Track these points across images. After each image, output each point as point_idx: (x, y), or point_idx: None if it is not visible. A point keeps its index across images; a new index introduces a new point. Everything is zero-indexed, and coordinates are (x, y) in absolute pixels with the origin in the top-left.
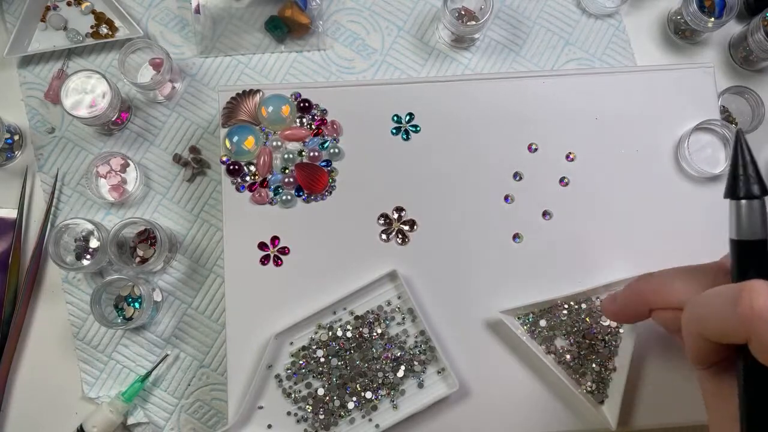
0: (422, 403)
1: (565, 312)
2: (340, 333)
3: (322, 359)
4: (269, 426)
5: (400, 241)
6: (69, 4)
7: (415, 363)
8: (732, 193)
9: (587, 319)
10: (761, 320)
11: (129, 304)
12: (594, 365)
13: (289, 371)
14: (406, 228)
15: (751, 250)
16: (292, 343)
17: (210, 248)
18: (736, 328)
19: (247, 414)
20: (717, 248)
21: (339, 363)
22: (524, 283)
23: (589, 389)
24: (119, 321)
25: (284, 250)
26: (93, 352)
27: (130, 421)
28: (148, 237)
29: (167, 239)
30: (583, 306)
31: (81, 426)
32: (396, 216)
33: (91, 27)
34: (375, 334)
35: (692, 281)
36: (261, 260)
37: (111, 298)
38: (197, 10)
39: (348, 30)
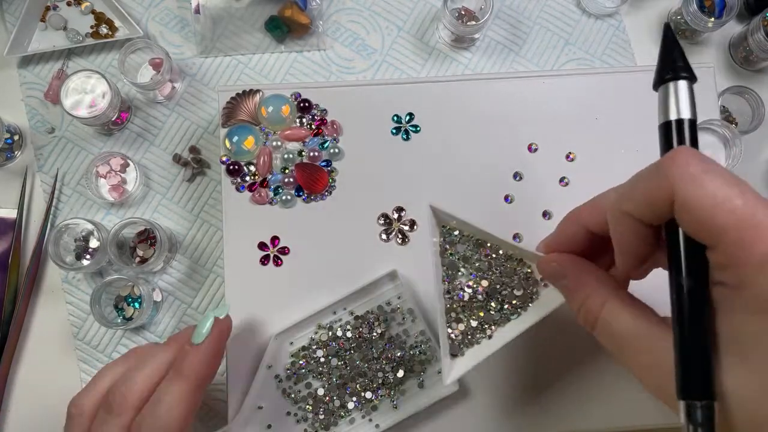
0: (422, 403)
1: (490, 255)
2: (340, 333)
3: (322, 359)
4: (269, 426)
5: (400, 241)
6: (69, 4)
7: (416, 363)
8: (660, 79)
9: (504, 277)
10: (682, 172)
11: (129, 304)
12: (472, 319)
13: (288, 371)
14: (406, 228)
15: (680, 128)
16: (292, 343)
17: (210, 248)
18: (660, 186)
19: (246, 414)
20: None
21: (339, 363)
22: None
23: (454, 337)
24: (119, 321)
25: (284, 250)
26: (93, 352)
27: None
28: (147, 237)
29: (167, 239)
30: (511, 263)
31: None
32: (396, 216)
33: (91, 27)
34: (375, 334)
35: (624, 185)
36: (261, 260)
37: (111, 298)
38: (197, 10)
39: (348, 30)
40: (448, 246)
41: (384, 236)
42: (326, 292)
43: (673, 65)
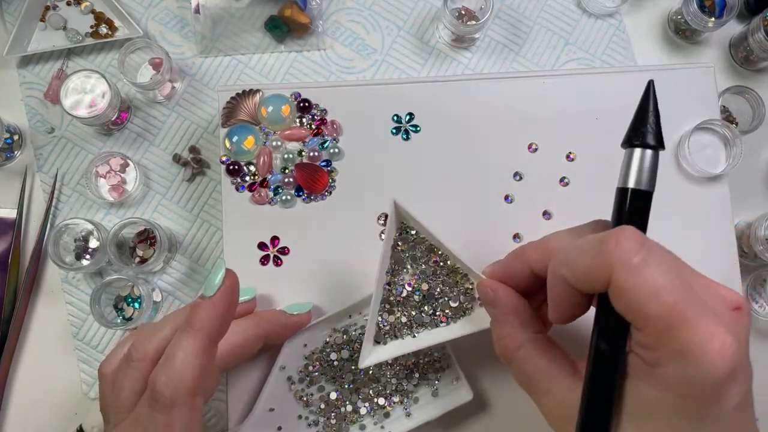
0: (435, 411)
1: (438, 263)
2: (354, 337)
3: (336, 363)
4: (279, 428)
5: None
6: (69, 3)
7: (430, 371)
8: (628, 141)
9: (445, 286)
10: (622, 259)
11: (128, 304)
12: (404, 315)
13: (301, 374)
14: None
15: (634, 200)
16: (305, 346)
17: (210, 248)
18: (599, 266)
19: (258, 416)
20: (717, 248)
21: (353, 368)
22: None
23: (382, 326)
24: (119, 321)
25: (284, 250)
26: (93, 352)
27: None
28: (147, 237)
29: (167, 239)
30: (455, 275)
31: (81, 426)
32: None
33: (91, 27)
34: None
35: (573, 234)
36: (261, 260)
37: (110, 299)
38: (197, 10)
39: (348, 30)
40: (400, 243)
41: (384, 236)
42: (326, 293)
43: (644, 130)
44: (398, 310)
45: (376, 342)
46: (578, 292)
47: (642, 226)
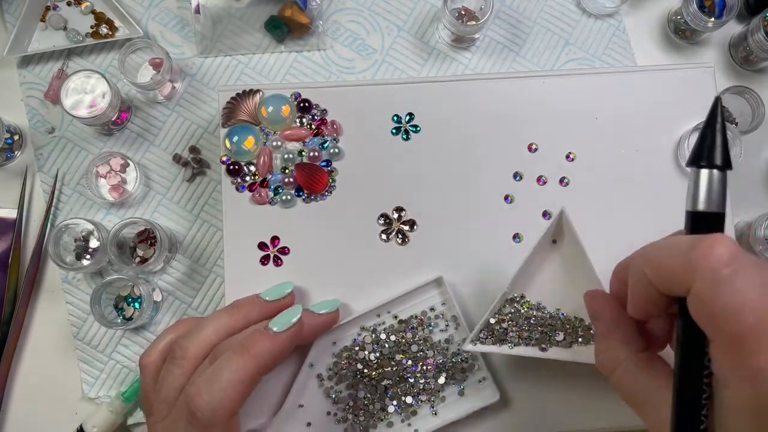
0: (462, 410)
1: (508, 314)
2: (383, 336)
3: (365, 361)
4: (308, 424)
5: (400, 241)
6: (69, 4)
7: (457, 371)
8: (695, 161)
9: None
10: (710, 268)
11: (129, 304)
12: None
13: (331, 371)
14: (406, 228)
15: (706, 222)
16: (335, 344)
17: (210, 248)
18: (683, 270)
19: (287, 411)
20: None
21: (381, 366)
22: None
23: (493, 323)
24: (119, 321)
25: (284, 250)
26: (93, 352)
27: (130, 421)
28: (148, 237)
29: (167, 239)
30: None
31: (81, 426)
32: (396, 216)
33: (91, 27)
34: (418, 338)
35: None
36: (261, 260)
37: (111, 298)
38: (197, 10)
39: (348, 30)
40: (492, 333)
41: (384, 236)
42: (326, 293)
43: (712, 150)
44: (517, 328)
45: (480, 338)
46: (657, 291)
47: None
